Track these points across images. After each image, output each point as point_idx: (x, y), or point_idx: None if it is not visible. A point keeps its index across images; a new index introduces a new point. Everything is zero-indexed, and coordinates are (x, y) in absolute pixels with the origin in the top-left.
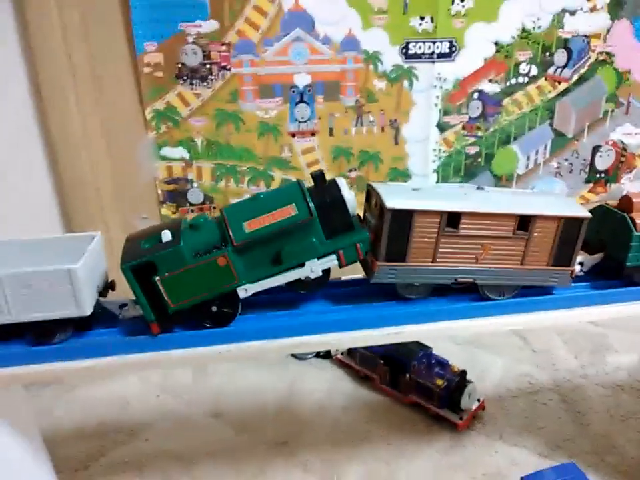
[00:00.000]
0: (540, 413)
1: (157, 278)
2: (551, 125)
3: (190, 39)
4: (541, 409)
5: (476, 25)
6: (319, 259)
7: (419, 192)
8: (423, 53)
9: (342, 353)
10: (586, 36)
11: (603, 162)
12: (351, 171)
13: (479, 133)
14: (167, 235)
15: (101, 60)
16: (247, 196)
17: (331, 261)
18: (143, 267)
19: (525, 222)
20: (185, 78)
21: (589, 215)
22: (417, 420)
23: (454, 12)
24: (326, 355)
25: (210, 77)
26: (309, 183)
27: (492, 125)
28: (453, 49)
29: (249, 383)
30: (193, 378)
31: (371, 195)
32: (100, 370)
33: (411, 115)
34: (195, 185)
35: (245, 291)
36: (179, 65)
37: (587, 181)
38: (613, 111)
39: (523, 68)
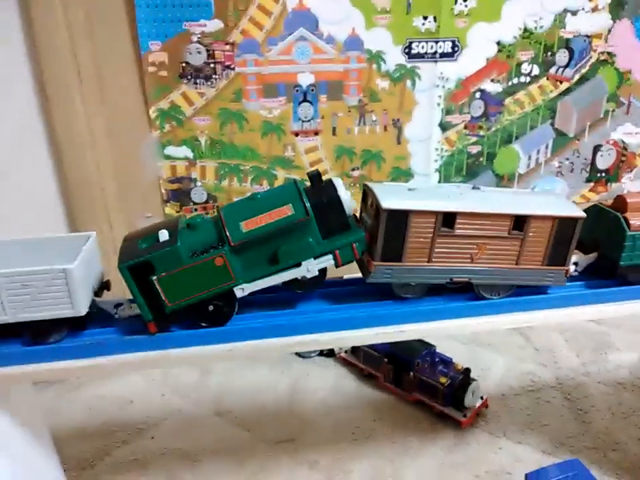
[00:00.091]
0: (543, 411)
1: (154, 277)
2: (552, 124)
3: (194, 38)
4: (543, 406)
5: (478, 25)
6: (315, 258)
7: (415, 192)
8: (426, 53)
9: (345, 352)
10: (587, 36)
11: (604, 161)
12: (353, 170)
13: (481, 133)
14: (164, 235)
15: (105, 59)
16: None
17: (327, 261)
18: (140, 266)
19: (520, 222)
20: (189, 77)
21: (583, 214)
22: (420, 418)
23: (457, 12)
24: (329, 354)
25: (214, 76)
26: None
27: (494, 124)
28: (456, 48)
29: (253, 381)
30: (198, 377)
31: (367, 195)
32: (96, 369)
33: (413, 115)
34: (199, 184)
35: (242, 290)
36: (183, 64)
37: (588, 180)
38: (613, 110)
39: (525, 68)
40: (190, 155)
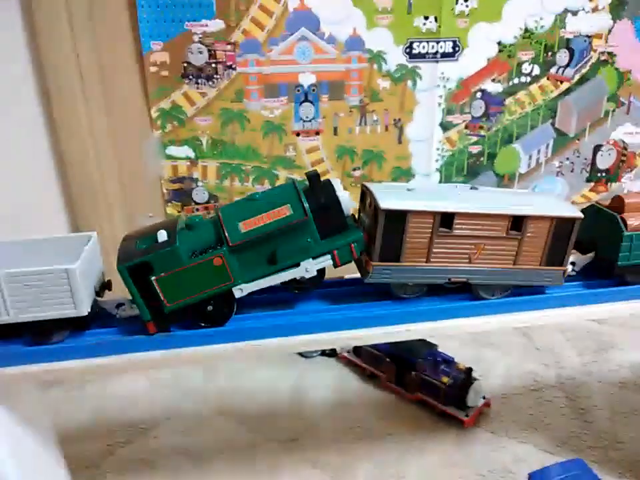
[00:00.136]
0: (545, 410)
1: (153, 278)
2: (552, 124)
3: (196, 38)
4: (545, 406)
5: (479, 25)
6: (313, 258)
7: (413, 192)
8: (427, 53)
9: (348, 351)
10: (588, 36)
11: (604, 161)
12: (354, 170)
13: (482, 132)
14: (162, 235)
15: (107, 59)
16: None
17: (325, 261)
18: (139, 267)
19: (517, 222)
20: (191, 77)
21: (581, 215)
22: (423, 417)
23: (457, 12)
24: (332, 353)
25: (215, 76)
26: None
27: (494, 124)
28: (457, 48)
29: (255, 381)
30: (201, 376)
31: (365, 195)
32: (98, 369)
33: (414, 114)
34: (200, 183)
35: (241, 290)
36: (185, 64)
37: (588, 180)
38: (614, 110)
39: (526, 68)
40: (191, 154)
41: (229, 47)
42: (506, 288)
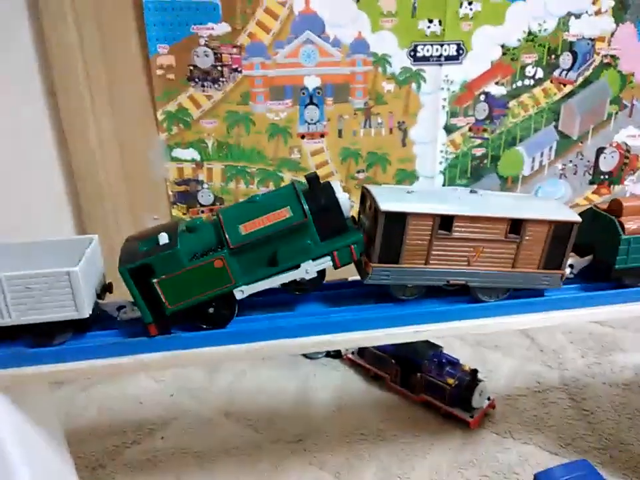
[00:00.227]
0: (549, 412)
1: (155, 280)
2: (556, 127)
3: (202, 42)
4: (550, 407)
5: (483, 28)
6: (313, 260)
7: (413, 195)
8: (431, 56)
9: (352, 353)
10: (591, 39)
11: (607, 164)
12: (359, 172)
13: (485, 135)
14: (164, 238)
15: (114, 62)
16: None
17: (325, 263)
18: (141, 269)
19: (516, 226)
20: (197, 80)
21: (579, 219)
22: (428, 418)
23: (462, 15)
24: (336, 355)
25: (221, 79)
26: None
27: (498, 127)
28: (461, 51)
29: (260, 382)
30: (207, 378)
31: (365, 197)
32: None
33: (418, 117)
34: (206, 186)
35: (241, 292)
36: (191, 67)
37: (591, 183)
38: (616, 113)
39: (529, 70)
40: (197, 157)
41: (234, 50)
42: (504, 291)
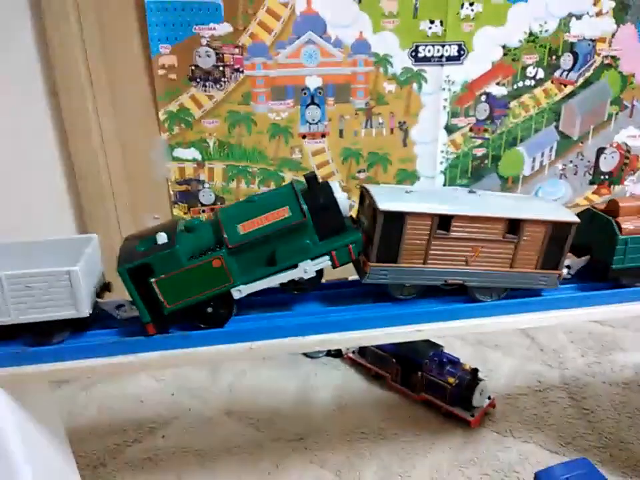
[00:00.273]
0: (549, 411)
1: (153, 279)
2: (556, 127)
3: (204, 42)
4: (550, 406)
5: (484, 29)
6: (312, 260)
7: (412, 194)
8: (432, 56)
9: (353, 352)
10: (592, 40)
11: (607, 164)
12: (360, 172)
13: (486, 135)
14: (162, 237)
15: (115, 61)
16: None
17: (324, 262)
18: (139, 269)
19: (514, 226)
20: (199, 80)
21: (577, 220)
22: (429, 417)
23: (463, 16)
24: (337, 354)
25: (223, 79)
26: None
27: (499, 127)
28: (462, 52)
29: (261, 381)
30: (207, 376)
31: (364, 196)
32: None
33: (419, 117)
34: (207, 185)
35: (240, 292)
36: (193, 67)
37: (591, 183)
38: (617, 113)
39: (530, 71)
40: (198, 156)
41: (236, 50)
42: (502, 290)
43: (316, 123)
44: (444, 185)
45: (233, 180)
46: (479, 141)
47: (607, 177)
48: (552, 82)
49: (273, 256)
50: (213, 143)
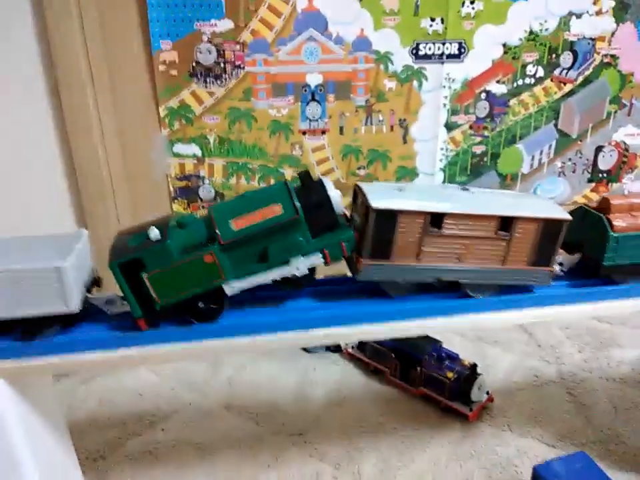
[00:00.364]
0: (547, 406)
1: (145, 275)
2: (555, 125)
3: (205, 38)
4: (547, 401)
5: (485, 27)
6: (304, 256)
7: (404, 192)
8: (433, 54)
9: (352, 347)
10: (591, 39)
11: (606, 162)
12: (360, 169)
13: (486, 133)
14: (154, 232)
15: (116, 57)
16: None
17: (316, 259)
18: (131, 263)
19: (506, 223)
20: (199, 76)
21: (569, 217)
22: (428, 412)
23: (464, 14)
24: (336, 349)
25: (224, 75)
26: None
27: (498, 125)
28: (462, 50)
29: (261, 375)
30: (207, 371)
31: (357, 194)
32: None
33: (419, 115)
34: (207, 181)
35: (232, 288)
36: (194, 64)
37: (590, 181)
38: (616, 112)
39: (530, 69)
40: (198, 152)
41: (237, 46)
42: (494, 287)
43: (316, 120)
44: (443, 182)
45: (232, 176)
46: (479, 139)
47: (605, 175)
48: (551, 80)
49: (265, 253)
50: (213, 139)
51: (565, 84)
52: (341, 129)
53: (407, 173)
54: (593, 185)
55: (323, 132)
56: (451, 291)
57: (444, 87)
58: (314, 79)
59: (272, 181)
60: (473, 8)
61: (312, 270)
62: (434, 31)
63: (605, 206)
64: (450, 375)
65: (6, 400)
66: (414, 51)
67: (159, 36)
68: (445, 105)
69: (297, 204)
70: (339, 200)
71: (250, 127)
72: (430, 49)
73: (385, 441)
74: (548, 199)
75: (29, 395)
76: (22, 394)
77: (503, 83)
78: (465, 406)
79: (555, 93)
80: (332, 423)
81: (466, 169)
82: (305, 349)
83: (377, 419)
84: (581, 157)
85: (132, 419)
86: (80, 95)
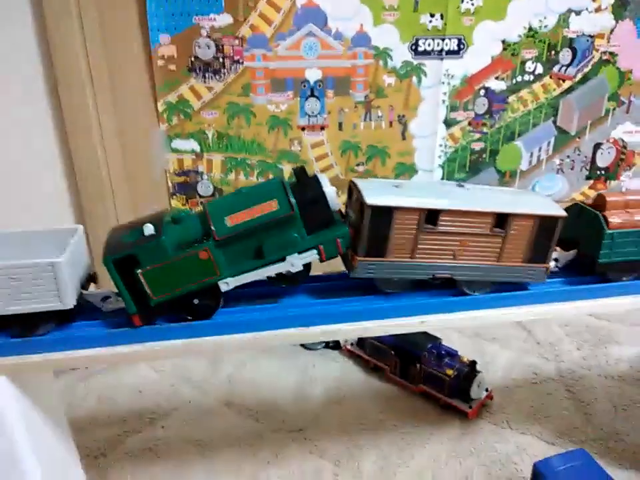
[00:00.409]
0: (546, 403)
1: (139, 271)
2: (554, 122)
3: (204, 33)
4: (546, 398)
5: (484, 23)
6: (299, 253)
7: (400, 188)
8: (432, 50)
9: (352, 344)
10: (590, 36)
11: (604, 159)
12: (358, 165)
13: (485, 130)
14: (149, 228)
15: (115, 52)
16: None
17: (311, 256)
18: (125, 259)
19: (502, 220)
20: (198, 71)
21: (564, 214)
22: (427, 409)
23: (463, 10)
24: (335, 346)
25: (222, 70)
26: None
27: (497, 121)
28: (462, 46)
29: (260, 373)
30: (207, 368)
31: (352, 191)
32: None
33: (418, 111)
34: (205, 177)
35: (227, 284)
36: (192, 58)
37: (588, 178)
38: (614, 109)
39: (529, 66)
40: (197, 148)
41: (236, 41)
42: (489, 284)
43: (315, 116)
44: (442, 179)
45: (231, 172)
46: (477, 135)
47: (603, 172)
48: (550, 77)
49: (260, 249)
50: (211, 135)
51: (563, 81)
52: (340, 124)
53: (406, 169)
54: (591, 182)
55: (322, 128)
56: (446, 288)
57: (443, 83)
58: (313, 75)
59: (270, 177)
60: (473, 4)
61: (307, 266)
62: (433, 26)
63: (600, 203)
64: (449, 372)
65: (7, 396)
66: (413, 47)
67: (158, 30)
68: (444, 101)
69: (292, 200)
70: (334, 196)
71: (249, 122)
72: (429, 44)
73: (384, 437)
74: (544, 195)
75: (30, 391)
76: (23, 390)
77: (502, 79)
78: (465, 403)
79: (554, 89)
80: (332, 420)
81: (465, 166)
82: (304, 346)
83: (377, 416)
84: (579, 154)
85: (132, 416)
86: (79, 94)
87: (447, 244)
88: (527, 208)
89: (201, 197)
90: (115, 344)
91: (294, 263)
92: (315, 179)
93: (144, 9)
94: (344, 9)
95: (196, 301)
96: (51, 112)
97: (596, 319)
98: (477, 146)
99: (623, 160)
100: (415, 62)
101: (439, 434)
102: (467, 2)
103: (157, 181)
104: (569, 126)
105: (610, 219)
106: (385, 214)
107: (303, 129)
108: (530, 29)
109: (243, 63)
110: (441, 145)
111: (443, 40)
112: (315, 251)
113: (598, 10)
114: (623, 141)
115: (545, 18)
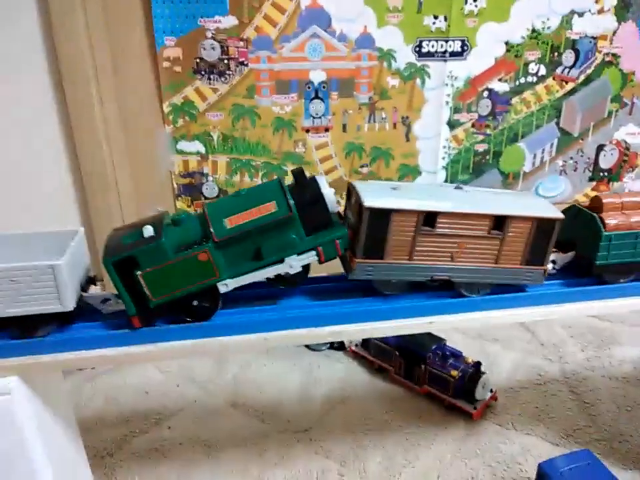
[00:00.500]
0: (550, 404)
1: (139, 272)
2: (557, 123)
3: (209, 34)
4: (550, 399)
5: (487, 25)
6: (298, 255)
7: (398, 191)
8: (436, 52)
9: (356, 345)
10: (593, 37)
11: (607, 161)
12: (362, 166)
13: (488, 131)
14: (148, 230)
15: (121, 54)
16: None
17: (310, 257)
18: (125, 261)
19: (499, 222)
20: (203, 73)
21: (561, 216)
22: (432, 410)
23: (467, 11)
24: (340, 347)
25: (227, 72)
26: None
27: (500, 123)
28: (465, 48)
29: (265, 373)
30: (213, 368)
31: (351, 193)
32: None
33: (422, 112)
34: (210, 178)
35: (226, 286)
36: (197, 60)
37: (591, 179)
38: (617, 111)
39: (532, 67)
40: (202, 149)
41: (241, 43)
42: (487, 286)
43: (319, 117)
44: (445, 181)
45: (236, 173)
46: (481, 137)
47: (606, 173)
48: (553, 78)
49: (259, 250)
50: (216, 136)
51: (566, 82)
52: (344, 126)
53: (410, 171)
54: (594, 183)
55: (326, 129)
56: (444, 290)
57: (447, 84)
58: (317, 76)
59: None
60: (476, 5)
61: (306, 268)
62: (437, 28)
63: (597, 205)
64: (454, 373)
65: (19, 396)
66: (417, 49)
67: (163, 32)
68: (447, 102)
69: (291, 201)
70: (333, 198)
71: (253, 123)
72: (433, 46)
73: (389, 438)
74: (542, 198)
75: (40, 391)
76: (33, 390)
77: (505, 81)
78: (469, 404)
79: (557, 91)
80: (337, 421)
81: (468, 167)
82: (308, 347)
83: (382, 416)
84: (582, 156)
85: (138, 417)
86: (84, 90)
87: (444, 246)
88: (525, 210)
89: (206, 198)
90: (121, 345)
91: (292, 265)
92: (314, 181)
93: (149, 11)
94: (348, 10)
95: (195, 303)
96: (56, 109)
97: (598, 320)
98: (481, 147)
99: (626, 161)
100: (419, 63)
101: (444, 435)
102: (471, 3)
103: (162, 180)
104: (571, 127)
105: (607, 221)
106: (383, 216)
107: (308, 130)
108: (533, 30)
109: (247, 64)
110: (444, 147)
111: (447, 41)
112: (313, 253)
113: (601, 11)
114: (625, 142)
115: (547, 19)
